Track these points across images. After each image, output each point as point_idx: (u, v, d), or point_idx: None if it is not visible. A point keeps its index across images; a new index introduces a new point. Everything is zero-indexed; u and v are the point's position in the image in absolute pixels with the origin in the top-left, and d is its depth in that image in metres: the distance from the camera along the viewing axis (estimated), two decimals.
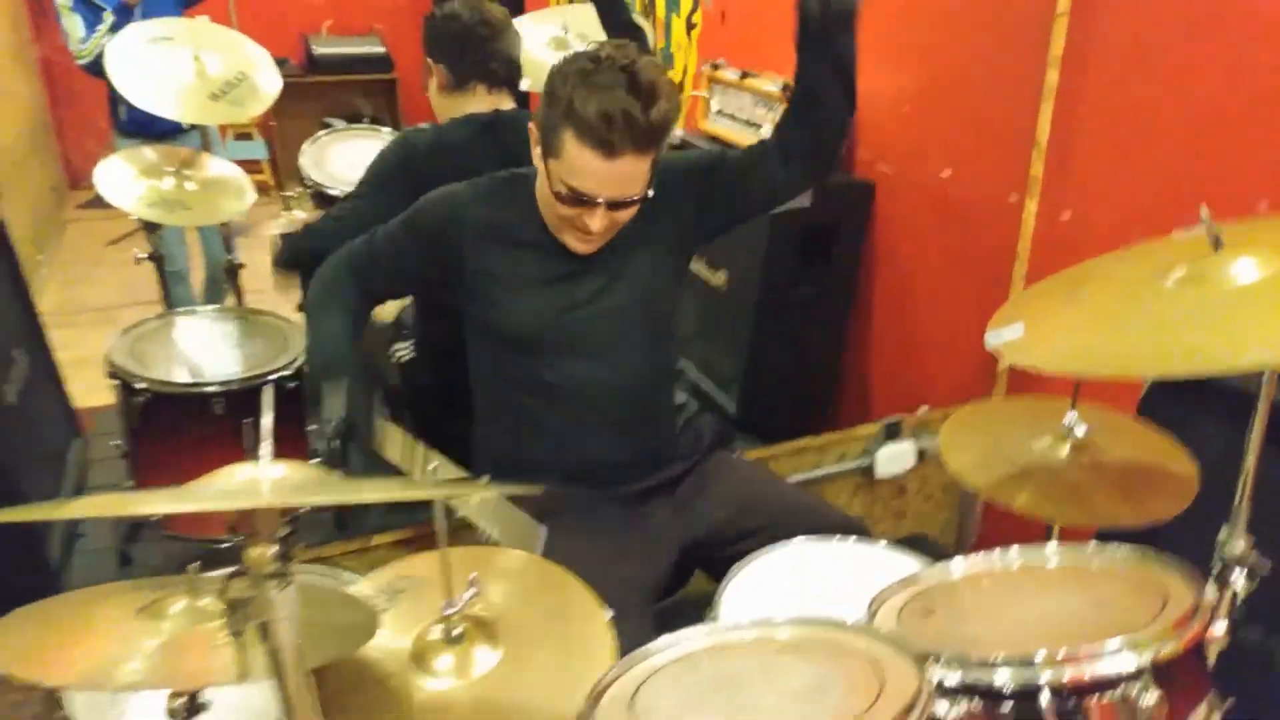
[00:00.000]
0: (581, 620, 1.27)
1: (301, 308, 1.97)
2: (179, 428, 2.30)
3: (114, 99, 3.39)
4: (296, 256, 2.09)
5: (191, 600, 0.98)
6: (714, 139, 3.27)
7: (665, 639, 1.10)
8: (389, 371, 2.53)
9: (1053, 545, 1.28)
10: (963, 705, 1.01)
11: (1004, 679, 0.99)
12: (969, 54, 2.61)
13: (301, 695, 0.91)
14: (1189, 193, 2.01)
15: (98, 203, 2.67)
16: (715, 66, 3.23)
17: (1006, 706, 1.00)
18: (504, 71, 2.24)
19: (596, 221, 1.57)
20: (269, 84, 2.70)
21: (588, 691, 1.02)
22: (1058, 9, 2.23)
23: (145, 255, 2.90)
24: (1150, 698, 0.97)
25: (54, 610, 1.01)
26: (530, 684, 1.16)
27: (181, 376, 2.30)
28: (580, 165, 1.51)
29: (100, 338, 2.48)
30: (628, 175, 1.54)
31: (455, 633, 1.21)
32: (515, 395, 1.77)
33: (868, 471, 2.52)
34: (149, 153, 2.67)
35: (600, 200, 1.55)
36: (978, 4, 2.56)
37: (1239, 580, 1.12)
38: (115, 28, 3.17)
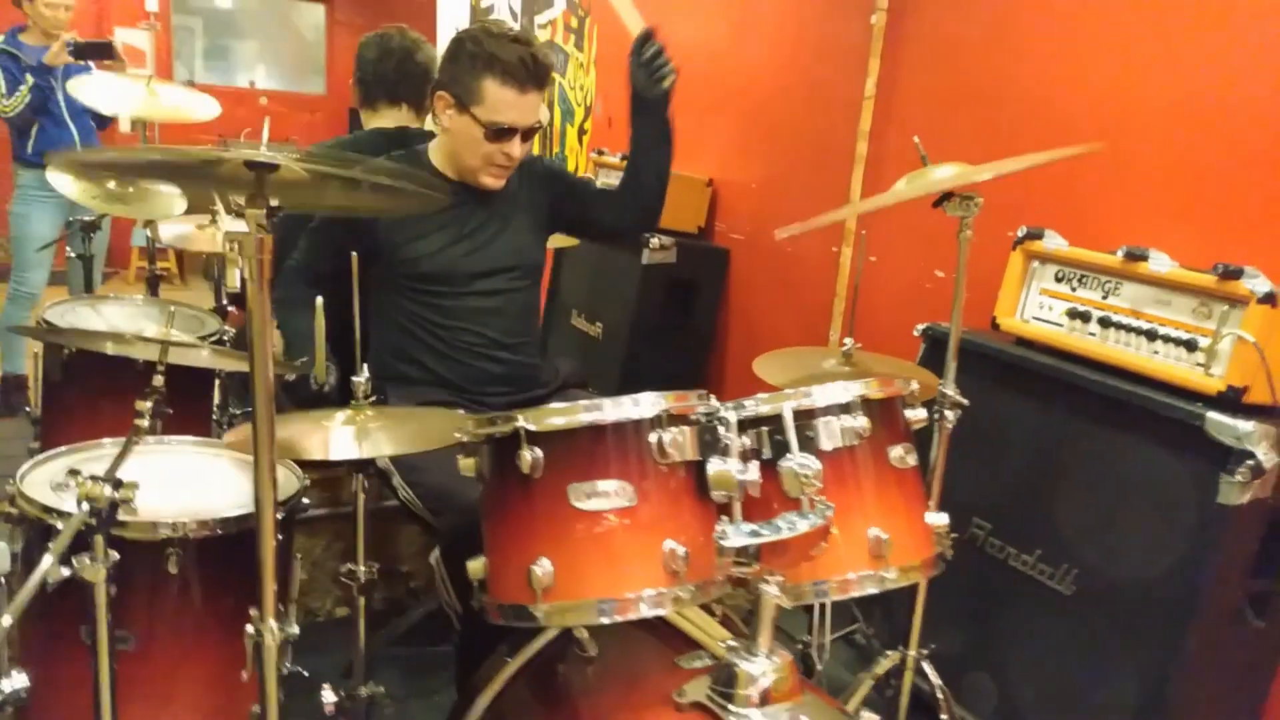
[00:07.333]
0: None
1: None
2: (98, 387, 2.52)
3: (20, 136, 3.80)
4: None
5: None
6: None
7: None
8: None
9: None
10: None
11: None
12: (797, 139, 3.24)
13: None
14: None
15: None
16: (600, 153, 3.84)
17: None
18: (405, 92, 2.69)
19: (516, 149, 2.03)
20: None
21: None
22: (865, 93, 2.86)
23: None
24: (860, 420, 1.38)
25: None
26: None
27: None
28: (503, 103, 1.99)
29: None
30: (534, 106, 2.03)
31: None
32: (410, 315, 2.14)
33: None
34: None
35: (519, 129, 2.01)
36: (803, 96, 3.20)
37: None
38: (36, 88, 3.66)
